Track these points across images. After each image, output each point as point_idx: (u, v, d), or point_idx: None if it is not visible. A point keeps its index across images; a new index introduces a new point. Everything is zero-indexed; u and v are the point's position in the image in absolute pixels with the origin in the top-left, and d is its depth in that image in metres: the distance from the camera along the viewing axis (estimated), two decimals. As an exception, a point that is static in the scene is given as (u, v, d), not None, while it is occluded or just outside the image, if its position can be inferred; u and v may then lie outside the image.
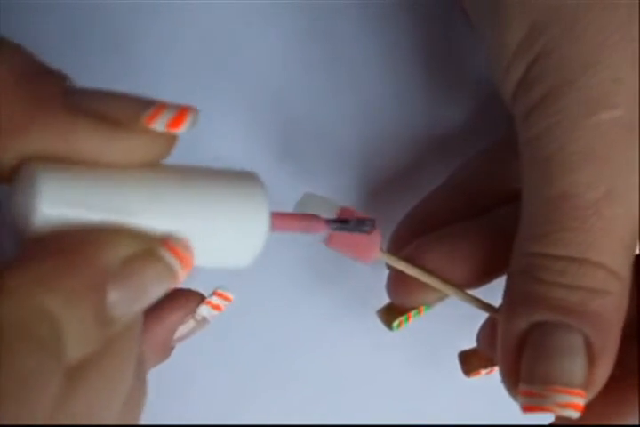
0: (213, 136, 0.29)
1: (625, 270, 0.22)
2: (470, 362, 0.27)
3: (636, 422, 0.23)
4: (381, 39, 0.29)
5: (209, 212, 0.19)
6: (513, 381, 0.23)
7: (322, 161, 0.29)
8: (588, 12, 0.21)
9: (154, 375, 0.30)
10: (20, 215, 0.17)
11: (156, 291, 0.17)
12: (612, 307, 0.22)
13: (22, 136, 0.16)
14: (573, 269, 0.22)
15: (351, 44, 0.29)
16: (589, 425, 0.23)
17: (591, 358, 0.22)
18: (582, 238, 0.21)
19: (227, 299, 0.25)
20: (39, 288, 0.15)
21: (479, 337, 0.26)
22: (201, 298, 0.25)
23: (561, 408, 0.21)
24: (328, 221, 0.23)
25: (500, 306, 0.24)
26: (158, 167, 0.19)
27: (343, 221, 0.24)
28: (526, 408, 0.22)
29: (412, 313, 0.27)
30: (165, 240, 0.17)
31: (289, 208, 0.25)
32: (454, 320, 0.27)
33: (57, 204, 0.16)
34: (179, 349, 0.30)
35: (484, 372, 0.27)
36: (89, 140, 0.17)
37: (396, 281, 0.26)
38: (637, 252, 0.25)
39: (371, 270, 0.28)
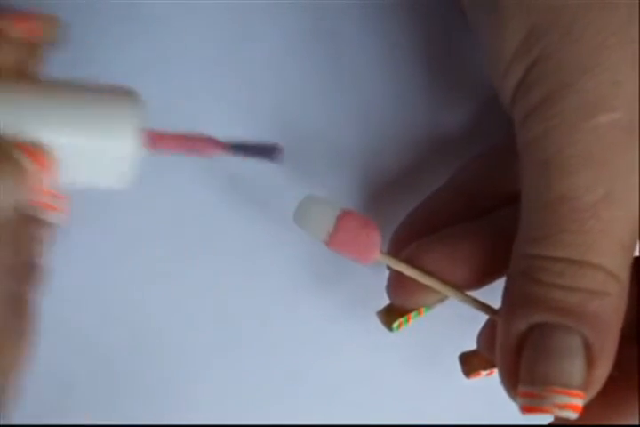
0: (214, 135, 0.29)
1: (624, 272, 0.22)
2: (470, 363, 0.27)
3: (635, 423, 0.24)
4: (383, 40, 0.29)
5: (74, 125, 0.19)
6: (512, 382, 0.23)
7: (323, 162, 0.29)
8: (587, 13, 0.21)
9: (154, 376, 0.30)
10: None
11: (5, 188, 0.18)
12: (610, 308, 0.22)
13: None
14: (572, 271, 0.22)
15: (353, 45, 0.29)
16: (588, 426, 0.23)
17: (590, 360, 0.22)
18: (581, 241, 0.21)
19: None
20: None
21: (479, 339, 0.26)
22: None
23: (559, 409, 0.21)
24: (224, 144, 0.23)
25: (500, 308, 0.24)
26: (36, 81, 0.19)
27: (243, 146, 0.23)
28: (525, 409, 0.22)
29: (412, 314, 0.27)
30: (21, 143, 0.19)
31: (290, 209, 0.26)
32: (455, 321, 0.27)
33: None
34: (178, 349, 0.30)
35: (484, 373, 0.27)
36: None
37: (396, 282, 0.26)
38: (636, 253, 0.25)
39: (371, 272, 0.28)
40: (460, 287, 0.25)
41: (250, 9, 0.29)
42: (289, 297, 0.30)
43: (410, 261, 0.26)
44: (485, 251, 0.25)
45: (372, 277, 0.28)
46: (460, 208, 0.27)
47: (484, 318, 0.26)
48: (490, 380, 0.26)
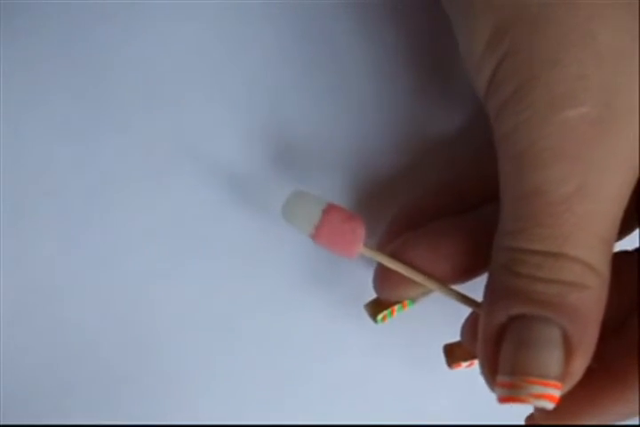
0: (207, 137, 0.29)
1: (602, 265, 0.22)
2: (453, 354, 0.28)
3: (615, 415, 0.24)
4: (378, 40, 0.29)
5: None
6: (492, 372, 0.23)
7: (316, 161, 0.30)
8: (549, 9, 0.21)
9: (153, 376, 0.30)
10: None
11: None
12: (589, 300, 0.22)
13: None
14: (550, 264, 0.22)
15: (347, 45, 0.29)
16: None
17: (568, 351, 0.22)
18: (557, 234, 0.22)
19: None
20: None
21: (462, 330, 0.27)
22: None
23: (535, 399, 0.22)
24: None
25: (482, 300, 0.24)
26: None
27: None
28: (502, 399, 0.22)
29: (396, 307, 0.27)
30: None
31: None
32: (455, 322, 0.27)
33: None
34: (178, 349, 0.30)
35: (464, 364, 0.27)
36: None
37: (381, 276, 0.27)
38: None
39: (369, 271, 0.29)
40: (445, 281, 0.26)
41: (243, 9, 0.29)
42: (288, 297, 0.31)
43: (395, 255, 0.26)
44: (469, 246, 0.26)
45: (369, 276, 0.28)
46: (448, 205, 0.28)
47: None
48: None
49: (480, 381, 0.23)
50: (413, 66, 0.29)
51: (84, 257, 0.30)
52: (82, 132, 0.29)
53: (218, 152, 0.29)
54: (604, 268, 0.22)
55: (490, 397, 0.23)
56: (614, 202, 0.22)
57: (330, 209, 0.25)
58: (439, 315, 0.29)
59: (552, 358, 0.22)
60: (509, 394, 0.22)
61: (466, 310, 0.26)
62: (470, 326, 0.26)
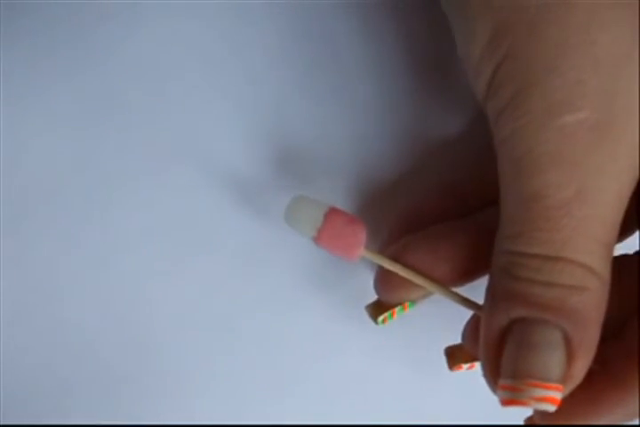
0: (208, 137, 0.29)
1: (603, 268, 0.22)
2: (455, 357, 0.28)
3: (614, 417, 0.24)
4: (378, 41, 0.29)
5: None
6: (494, 375, 0.23)
7: (316, 164, 0.30)
8: (548, 13, 0.21)
9: (153, 376, 0.31)
10: None
11: None
12: (590, 303, 0.22)
13: None
14: (549, 267, 0.22)
15: (348, 46, 0.29)
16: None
17: (570, 353, 0.22)
18: (556, 238, 0.22)
19: None
20: None
21: (464, 333, 0.27)
22: None
23: (537, 402, 0.22)
24: None
25: (483, 303, 0.24)
26: None
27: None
28: (504, 402, 0.22)
29: (397, 309, 0.27)
30: None
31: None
32: (455, 322, 0.27)
33: None
34: (177, 349, 0.31)
35: (465, 367, 0.28)
36: None
37: (382, 278, 0.27)
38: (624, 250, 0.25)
39: (370, 273, 0.29)
40: (445, 284, 0.26)
41: (244, 9, 0.29)
42: (289, 299, 0.31)
43: (396, 258, 0.26)
44: (470, 248, 0.26)
45: (370, 278, 0.28)
46: (449, 208, 0.28)
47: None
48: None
49: (480, 382, 0.24)
50: (414, 67, 0.29)
51: (84, 257, 0.30)
52: (82, 132, 0.29)
53: (218, 153, 0.29)
54: (605, 270, 0.22)
55: (490, 398, 0.23)
56: (613, 206, 0.22)
57: (332, 212, 0.25)
58: (440, 317, 0.30)
59: (553, 360, 0.22)
60: (511, 397, 0.22)
61: (466, 312, 0.26)
62: (471, 329, 0.26)
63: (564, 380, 0.22)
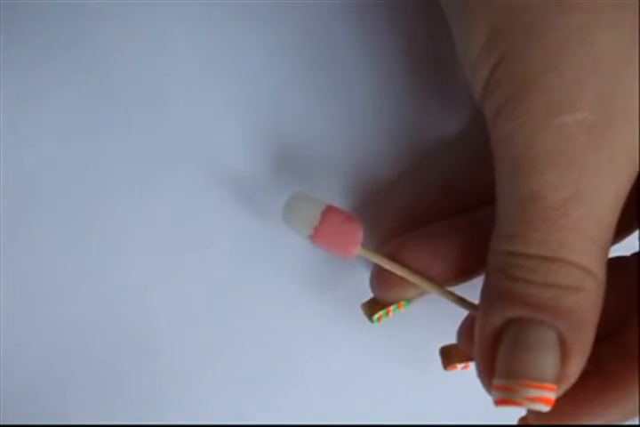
0: (207, 138, 0.29)
1: (598, 268, 0.22)
2: (449, 356, 0.28)
3: (609, 417, 0.24)
4: (377, 41, 0.29)
5: None
6: (488, 375, 0.23)
7: (314, 163, 0.30)
8: (547, 13, 0.21)
9: (152, 376, 0.30)
10: None
11: None
12: (585, 304, 0.22)
13: None
14: (545, 268, 0.22)
15: (347, 46, 0.29)
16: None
17: (564, 354, 0.22)
18: (553, 238, 0.22)
19: None
20: None
21: (459, 333, 0.27)
22: None
23: (531, 402, 0.22)
24: None
25: (479, 303, 0.24)
26: None
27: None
28: (498, 402, 0.22)
29: (392, 308, 0.27)
30: None
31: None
32: (454, 322, 0.27)
33: None
34: (176, 350, 0.30)
35: (459, 366, 0.28)
36: None
37: (378, 277, 0.27)
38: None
39: (368, 272, 0.29)
40: (441, 283, 0.26)
41: (242, 10, 0.29)
42: (287, 298, 0.31)
43: (392, 257, 0.26)
44: (466, 248, 0.26)
45: (367, 276, 0.28)
46: (445, 207, 0.28)
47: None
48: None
49: (476, 381, 0.24)
50: (412, 67, 0.29)
51: (83, 257, 0.30)
52: (82, 132, 0.29)
53: (216, 152, 0.29)
54: (600, 271, 0.23)
55: (485, 397, 0.23)
56: (610, 207, 0.22)
57: (328, 210, 0.25)
58: (435, 316, 0.30)
59: (548, 361, 0.22)
60: (506, 397, 0.22)
61: (462, 312, 0.26)
62: (466, 329, 0.26)
63: (558, 380, 0.22)
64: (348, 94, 0.29)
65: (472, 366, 0.24)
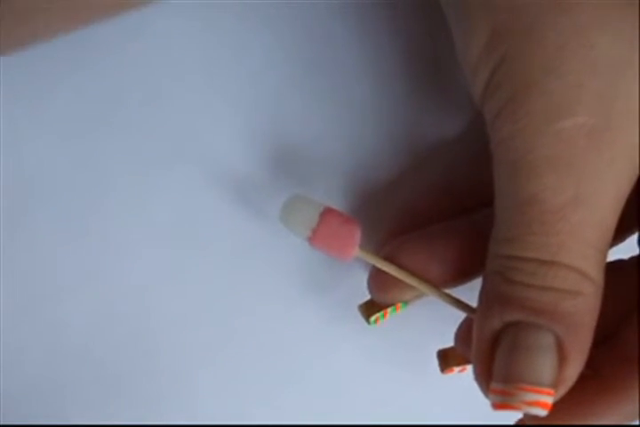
0: (205, 138, 0.29)
1: (596, 272, 0.22)
2: (447, 359, 0.28)
3: (606, 423, 0.24)
4: (377, 42, 0.29)
5: None
6: (485, 379, 0.23)
7: (312, 164, 0.30)
8: (546, 15, 0.21)
9: (152, 376, 0.31)
10: None
11: None
12: (583, 307, 0.22)
13: None
14: (544, 271, 0.22)
15: (346, 47, 0.29)
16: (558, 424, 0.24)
17: (562, 358, 0.22)
18: (552, 242, 0.22)
19: None
20: None
21: (456, 336, 0.27)
22: None
23: (528, 406, 0.22)
24: None
25: (477, 306, 0.24)
26: None
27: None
28: (496, 406, 0.22)
29: (389, 310, 0.27)
30: None
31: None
32: (453, 323, 0.27)
33: None
34: (176, 350, 0.30)
35: (456, 369, 0.28)
36: None
37: (376, 278, 0.27)
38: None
39: (364, 273, 0.29)
40: (438, 285, 0.26)
41: (242, 11, 0.29)
42: (286, 299, 0.31)
43: (389, 258, 0.26)
44: (464, 250, 0.26)
45: (365, 278, 0.28)
46: (444, 208, 0.28)
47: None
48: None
49: (473, 383, 0.24)
50: (412, 68, 0.29)
51: (83, 257, 0.30)
52: (82, 132, 0.29)
53: (215, 153, 0.29)
54: (598, 275, 0.22)
55: (483, 398, 0.23)
56: (609, 210, 0.22)
57: (327, 212, 0.25)
58: (433, 318, 0.29)
59: (545, 365, 0.22)
60: (503, 401, 0.22)
61: (459, 314, 0.26)
62: (464, 332, 0.26)
63: (555, 384, 0.22)
64: (347, 95, 0.29)
65: (469, 369, 0.24)
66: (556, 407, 0.22)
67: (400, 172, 0.30)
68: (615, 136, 0.21)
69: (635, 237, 0.26)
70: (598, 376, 0.24)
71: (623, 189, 0.22)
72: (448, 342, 0.27)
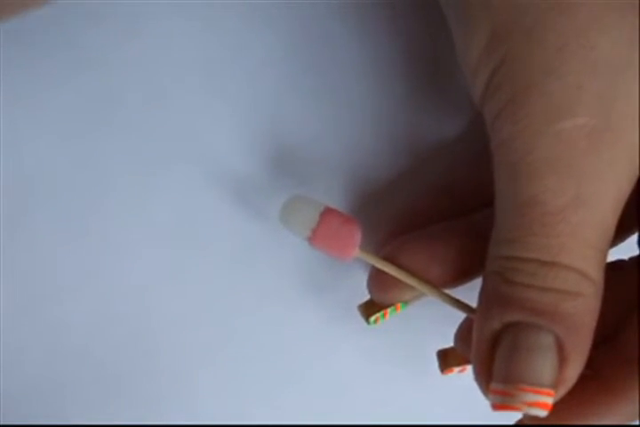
0: (205, 138, 0.29)
1: (597, 273, 0.22)
2: (447, 360, 0.28)
3: (605, 423, 0.24)
4: (376, 42, 0.29)
5: None
6: (485, 379, 0.23)
7: (312, 164, 0.30)
8: (547, 16, 0.21)
9: (152, 376, 0.31)
10: None
11: None
12: (583, 308, 0.22)
13: None
14: (544, 272, 0.22)
15: (346, 47, 0.29)
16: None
17: (562, 358, 0.22)
18: (552, 243, 0.22)
19: None
20: None
21: (456, 337, 0.27)
22: None
23: (528, 407, 0.22)
24: None
25: (476, 306, 0.24)
26: None
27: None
28: (496, 406, 0.22)
29: (389, 310, 0.27)
30: None
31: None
32: (453, 322, 0.27)
33: None
34: (176, 351, 0.30)
35: (456, 370, 0.28)
36: None
37: (376, 279, 0.27)
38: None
39: (364, 273, 0.29)
40: (438, 285, 0.26)
41: (241, 11, 0.29)
42: (286, 299, 0.31)
43: (389, 259, 0.26)
44: (464, 250, 0.26)
45: (365, 278, 0.28)
46: (444, 209, 0.28)
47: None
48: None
49: (473, 383, 0.24)
50: (411, 68, 0.29)
51: (83, 257, 0.30)
52: (82, 132, 0.29)
53: (214, 153, 0.29)
54: (598, 276, 0.22)
55: (483, 398, 0.23)
56: (610, 212, 0.22)
57: (327, 212, 0.25)
58: (432, 319, 0.29)
59: (545, 365, 0.22)
60: (503, 402, 0.22)
61: (459, 314, 0.26)
62: (463, 333, 0.26)
63: (555, 385, 0.22)
64: (346, 95, 0.29)
65: (469, 369, 0.24)
66: (556, 408, 0.22)
67: (400, 172, 0.30)
68: (615, 137, 0.21)
69: (635, 237, 0.26)
70: (598, 377, 0.24)
71: (623, 189, 0.22)
72: (448, 342, 0.27)
